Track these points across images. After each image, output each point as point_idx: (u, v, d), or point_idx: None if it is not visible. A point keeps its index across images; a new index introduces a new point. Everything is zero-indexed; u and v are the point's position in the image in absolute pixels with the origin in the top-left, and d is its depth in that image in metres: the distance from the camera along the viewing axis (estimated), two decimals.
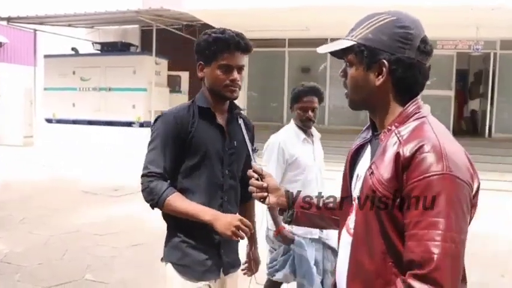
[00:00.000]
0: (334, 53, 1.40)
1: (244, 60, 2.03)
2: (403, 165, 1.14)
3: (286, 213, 1.69)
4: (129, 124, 11.48)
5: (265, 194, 1.66)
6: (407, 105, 1.27)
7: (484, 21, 9.73)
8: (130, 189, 8.88)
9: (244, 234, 1.82)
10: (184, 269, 1.98)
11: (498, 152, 10.72)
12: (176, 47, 12.85)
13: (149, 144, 1.99)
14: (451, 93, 12.86)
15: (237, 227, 1.80)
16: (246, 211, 2.26)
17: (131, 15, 10.96)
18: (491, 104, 12.52)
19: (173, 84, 13.23)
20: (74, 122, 12.00)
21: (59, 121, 12.27)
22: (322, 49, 1.40)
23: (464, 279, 1.21)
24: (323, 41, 12.31)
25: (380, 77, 1.27)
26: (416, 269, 1.08)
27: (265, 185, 1.66)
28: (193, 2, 10.60)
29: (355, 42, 1.30)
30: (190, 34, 12.52)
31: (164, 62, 12.49)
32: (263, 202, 1.68)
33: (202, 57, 2.03)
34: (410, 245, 1.11)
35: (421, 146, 1.14)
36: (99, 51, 12.61)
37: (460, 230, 1.09)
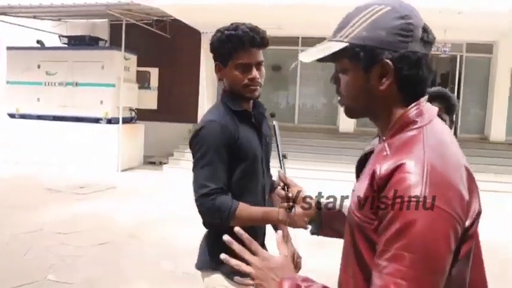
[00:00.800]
0: (322, 59, 1.13)
1: (262, 55, 1.92)
2: (378, 186, 0.98)
3: (313, 224, 1.56)
4: (96, 120, 11.23)
5: (291, 204, 1.53)
6: (406, 111, 1.07)
7: (451, 24, 9.92)
8: (96, 186, 8.71)
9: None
10: (233, 274, 1.90)
11: (464, 152, 10.93)
12: (146, 43, 12.66)
13: (199, 159, 1.85)
14: None
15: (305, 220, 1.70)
16: (274, 201, 2.13)
17: (100, 9, 10.70)
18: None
19: (142, 81, 13.00)
20: (39, 117, 11.63)
21: (22, 116, 11.88)
22: (307, 57, 1.15)
23: None
24: (295, 40, 12.46)
25: (384, 79, 1.06)
26: None
27: (290, 194, 1.53)
28: None
29: (347, 44, 1.08)
30: (161, 30, 12.34)
31: (133, 58, 12.26)
32: (289, 212, 1.55)
33: (218, 58, 1.93)
34: (373, 275, 0.96)
35: (401, 165, 0.96)
36: (66, 45, 12.27)
37: (430, 270, 0.90)
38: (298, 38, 12.50)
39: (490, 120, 12.26)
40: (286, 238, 2.13)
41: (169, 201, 7.86)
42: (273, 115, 1.92)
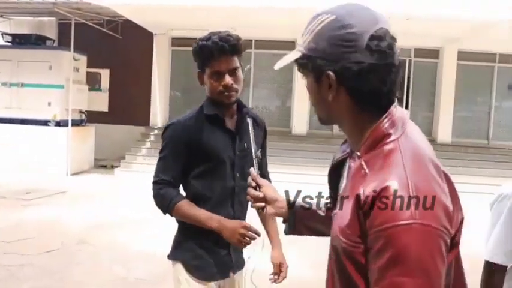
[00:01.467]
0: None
1: (236, 61, 2.01)
2: (364, 211, 0.94)
3: (287, 225, 1.56)
4: (44, 123, 10.82)
5: (262, 204, 1.51)
6: (378, 123, 1.03)
7: (401, 29, 10.19)
8: (44, 192, 8.38)
9: (249, 241, 1.90)
10: (196, 269, 2.06)
11: None
12: (97, 43, 12.32)
13: (160, 152, 2.07)
14: None
15: (243, 235, 1.88)
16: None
17: (47, 6, 10.34)
18: (406, 108, 13.22)
19: (93, 82, 12.66)
20: None
21: None
22: (277, 65, 1.20)
23: None
24: (248, 42, 12.42)
25: (330, 90, 1.05)
26: None
27: (261, 195, 1.51)
28: None
29: (300, 54, 1.09)
30: (112, 30, 12.07)
31: (83, 58, 11.90)
32: (261, 213, 1.55)
33: (198, 66, 2.06)
34: None
35: (385, 188, 0.92)
36: (9, 43, 11.76)
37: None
38: (252, 40, 12.55)
39: (438, 122, 12.75)
40: (277, 246, 2.25)
41: (121, 205, 7.67)
42: (246, 112, 2.06)
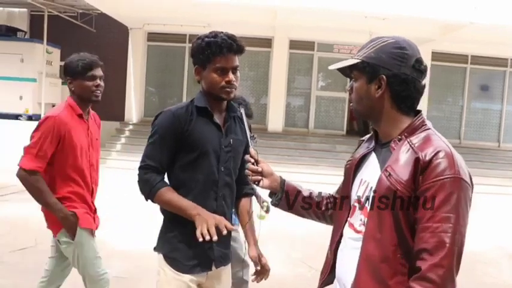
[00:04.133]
0: (342, 71, 1.61)
1: (238, 60, 2.13)
2: (422, 168, 1.35)
3: (275, 196, 1.85)
4: (15, 117, 10.57)
5: (260, 177, 1.82)
6: (414, 119, 1.49)
7: (377, 29, 10.36)
8: (15, 187, 8.17)
9: (207, 236, 1.85)
10: (174, 261, 2.10)
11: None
12: (71, 36, 12.09)
13: (148, 138, 2.11)
14: (346, 95, 13.57)
15: (209, 226, 1.86)
16: (243, 208, 2.36)
17: None
18: None
19: None
20: None
21: None
22: (332, 66, 1.59)
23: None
24: None
25: (379, 89, 1.48)
26: (427, 256, 1.30)
27: (259, 169, 1.82)
28: None
29: (359, 60, 1.51)
30: (86, 23, 11.86)
31: (57, 51, 11.68)
32: (257, 185, 1.83)
33: (198, 62, 2.11)
34: (423, 235, 1.32)
35: (437, 153, 1.35)
36: None
37: (465, 224, 1.33)
38: None
39: None
40: (253, 243, 2.31)
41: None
42: (240, 104, 2.16)
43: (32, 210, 6.71)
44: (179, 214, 2.00)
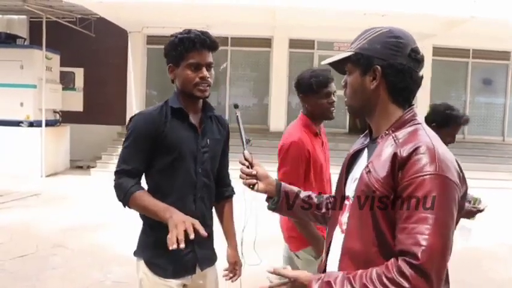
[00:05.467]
0: (336, 67, 1.55)
1: (212, 57, 2.06)
2: (400, 165, 1.26)
3: (272, 200, 1.78)
4: (16, 123, 10.55)
5: (254, 181, 1.74)
6: (404, 113, 1.41)
7: (377, 25, 10.30)
8: (17, 194, 8.19)
9: (173, 240, 1.71)
10: (156, 267, 2.06)
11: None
12: (70, 42, 12.06)
13: (123, 142, 2.06)
14: None
15: (180, 227, 1.74)
16: (224, 210, 2.33)
17: (17, 3, 10.07)
18: None
19: (66, 81, 12.41)
20: None
21: None
22: (325, 61, 1.54)
23: (447, 280, 1.33)
24: (224, 40, 12.39)
25: (374, 81, 1.41)
26: (407, 257, 1.18)
27: (254, 172, 1.75)
28: None
29: (352, 52, 1.44)
30: (85, 28, 11.83)
31: (56, 57, 11.64)
32: (252, 189, 1.75)
33: (171, 59, 2.07)
34: (400, 237, 1.22)
35: (417, 148, 1.26)
36: None
37: (447, 226, 1.21)
38: (228, 38, 12.48)
39: None
40: (233, 247, 2.31)
41: (97, 206, 7.52)
42: (236, 106, 2.02)
43: (33, 217, 6.71)
44: (154, 218, 1.91)
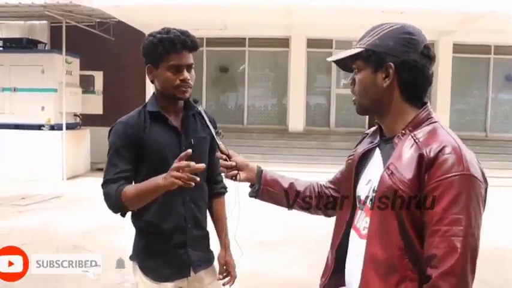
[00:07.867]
0: (342, 65, 1.51)
1: (192, 58, 2.01)
2: (427, 166, 1.23)
3: (253, 188, 1.77)
4: (38, 127, 10.71)
5: (235, 172, 1.74)
6: (420, 111, 1.38)
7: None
8: (39, 197, 8.30)
9: (186, 177, 1.65)
10: (150, 271, 2.05)
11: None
12: (89, 46, 12.20)
13: (107, 155, 2.01)
14: None
15: (175, 176, 1.66)
16: (214, 209, 2.28)
17: (37, 9, 10.22)
18: None
19: (86, 85, 12.55)
20: None
21: None
22: (331, 58, 1.49)
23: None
24: (241, 41, 12.40)
25: (387, 78, 1.37)
26: (438, 263, 1.18)
27: (233, 163, 1.75)
28: None
29: (363, 49, 1.40)
30: (104, 32, 11.96)
31: (76, 61, 11.79)
32: (235, 180, 1.75)
33: (150, 60, 2.00)
34: (433, 240, 1.20)
35: (443, 148, 1.24)
36: (1, 48, 11.65)
37: (478, 225, 1.20)
38: (245, 38, 12.47)
39: None
40: (225, 247, 2.26)
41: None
42: (195, 101, 2.03)
43: (54, 219, 6.78)
44: (152, 197, 1.84)
